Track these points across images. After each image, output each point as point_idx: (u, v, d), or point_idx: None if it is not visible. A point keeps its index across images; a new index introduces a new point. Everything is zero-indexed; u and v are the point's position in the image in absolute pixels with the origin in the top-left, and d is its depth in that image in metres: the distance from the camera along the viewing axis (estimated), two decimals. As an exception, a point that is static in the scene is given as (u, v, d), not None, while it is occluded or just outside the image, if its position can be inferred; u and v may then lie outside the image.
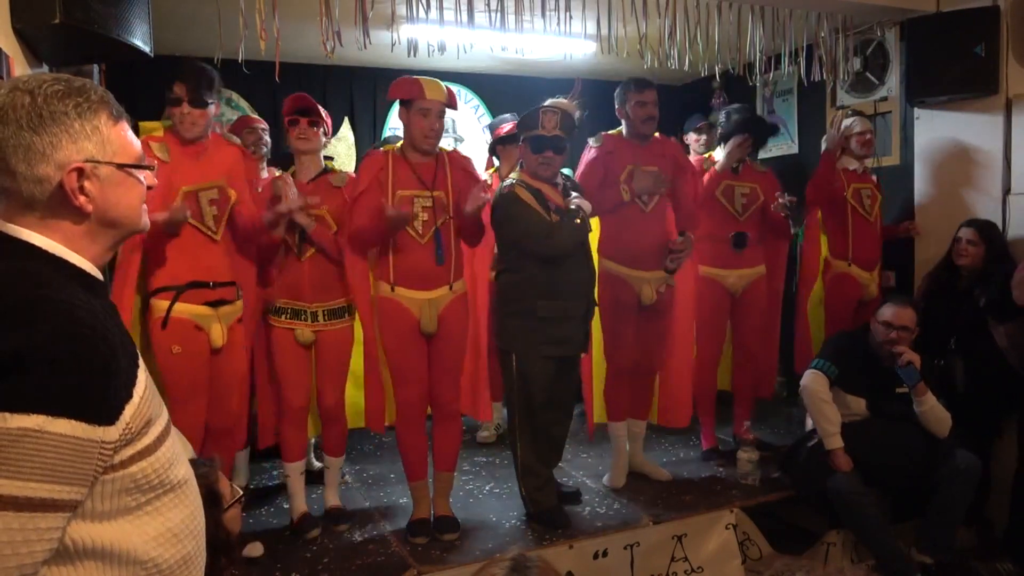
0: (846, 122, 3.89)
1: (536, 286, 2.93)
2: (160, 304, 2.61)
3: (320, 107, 3.01)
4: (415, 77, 2.84)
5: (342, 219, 2.93)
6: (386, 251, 2.87)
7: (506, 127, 3.92)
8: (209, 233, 2.68)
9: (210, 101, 2.69)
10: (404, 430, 2.98)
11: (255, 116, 3.59)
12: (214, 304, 2.67)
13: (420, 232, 2.83)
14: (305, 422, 3.11)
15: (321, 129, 2.99)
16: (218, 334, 2.67)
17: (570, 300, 2.96)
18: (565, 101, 2.98)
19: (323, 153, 3.08)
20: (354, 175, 3.07)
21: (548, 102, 2.96)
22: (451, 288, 2.91)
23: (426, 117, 2.80)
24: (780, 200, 3.62)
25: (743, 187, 3.73)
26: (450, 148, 3.11)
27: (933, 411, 3.16)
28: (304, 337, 2.96)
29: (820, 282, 3.99)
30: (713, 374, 3.85)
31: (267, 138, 3.63)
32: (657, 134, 3.43)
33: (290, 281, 2.94)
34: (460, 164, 2.98)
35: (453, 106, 2.94)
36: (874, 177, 4.05)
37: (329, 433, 3.12)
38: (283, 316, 2.96)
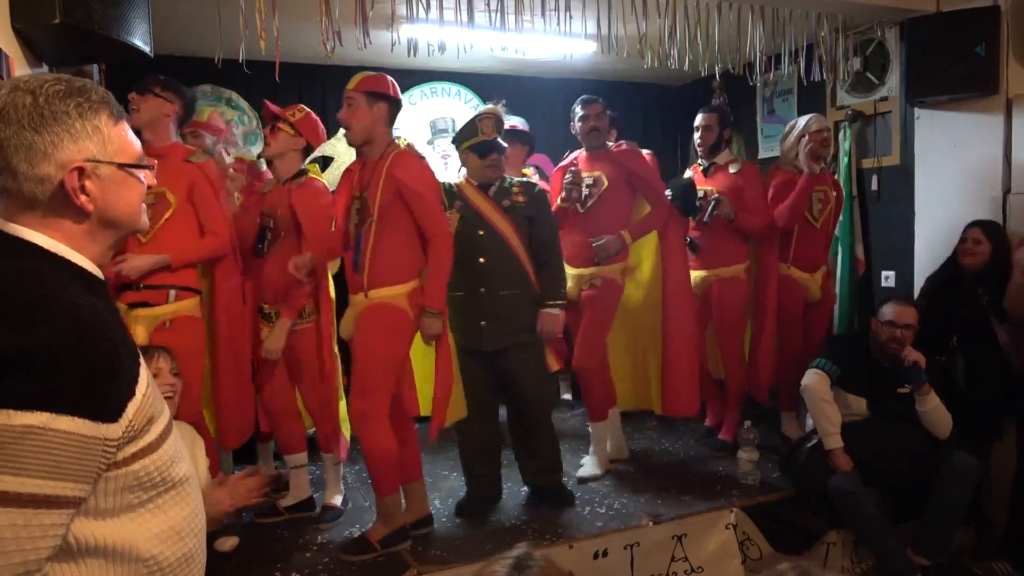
0: (802, 120, 3.88)
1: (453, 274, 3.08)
2: None
3: (286, 108, 2.98)
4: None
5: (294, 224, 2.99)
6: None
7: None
8: (138, 235, 2.64)
9: (159, 92, 2.80)
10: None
11: (203, 120, 3.61)
12: (132, 305, 2.68)
13: (352, 235, 2.83)
14: (291, 417, 3.14)
15: (284, 131, 2.97)
16: (134, 335, 2.59)
17: (463, 290, 3.05)
18: (493, 106, 3.16)
19: (324, 153, 3.09)
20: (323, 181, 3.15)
21: (481, 110, 3.12)
22: (366, 295, 2.76)
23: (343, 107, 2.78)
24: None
25: (702, 189, 3.79)
26: (403, 147, 2.87)
27: (936, 412, 3.16)
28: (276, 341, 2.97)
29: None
30: (702, 370, 3.88)
31: (211, 143, 3.58)
32: (617, 145, 3.63)
33: (256, 284, 2.96)
34: (395, 166, 2.73)
35: (371, 89, 2.73)
36: (834, 177, 4.05)
37: (318, 431, 3.15)
38: (271, 319, 2.98)
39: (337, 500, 3.20)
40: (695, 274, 3.84)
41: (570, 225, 3.57)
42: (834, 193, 3.95)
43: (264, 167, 3.54)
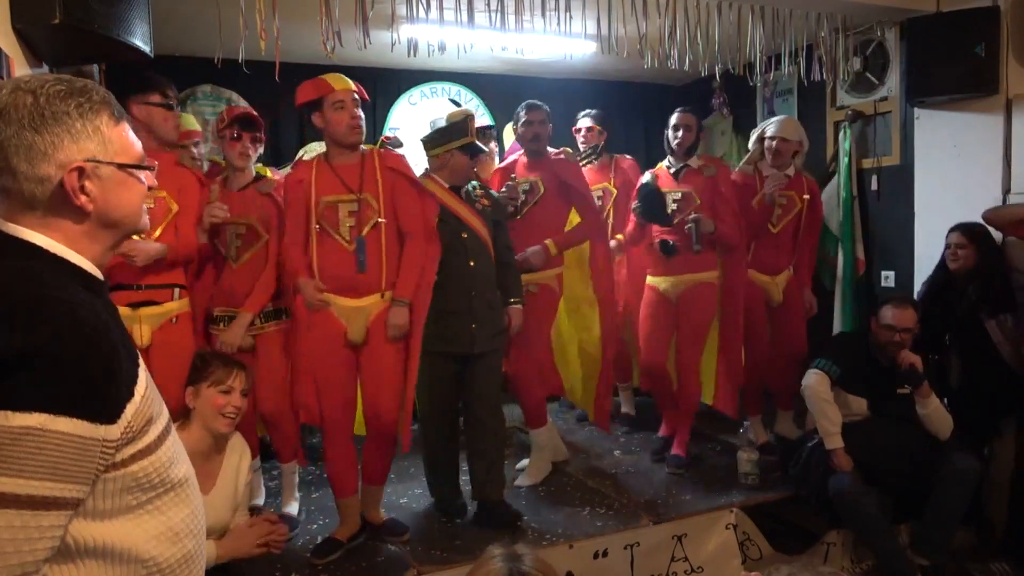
0: (762, 124, 3.84)
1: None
2: None
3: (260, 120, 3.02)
4: (317, 77, 2.80)
5: (272, 225, 2.95)
6: (312, 258, 2.79)
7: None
8: (141, 237, 2.63)
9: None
10: (330, 448, 2.88)
11: (195, 129, 3.57)
12: (136, 305, 2.67)
13: (347, 238, 2.77)
14: (253, 425, 3.08)
15: (260, 142, 3.01)
16: (138, 335, 2.63)
17: (450, 294, 3.00)
18: (466, 108, 3.22)
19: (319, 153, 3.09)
20: (281, 180, 3.06)
21: (464, 110, 3.13)
22: (383, 296, 2.80)
23: (344, 109, 2.73)
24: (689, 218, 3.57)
25: (675, 192, 3.64)
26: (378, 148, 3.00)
27: (936, 413, 3.16)
28: (244, 343, 2.96)
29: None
30: (661, 379, 3.76)
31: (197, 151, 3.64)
32: (557, 152, 3.63)
33: (225, 288, 2.95)
34: (390, 164, 2.85)
35: (365, 98, 2.87)
36: (811, 181, 3.92)
37: (273, 439, 3.10)
38: (221, 324, 2.96)
39: (294, 509, 3.17)
40: (667, 280, 3.67)
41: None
42: (806, 197, 3.80)
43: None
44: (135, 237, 2.63)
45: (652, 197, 3.63)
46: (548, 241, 3.48)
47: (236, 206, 2.92)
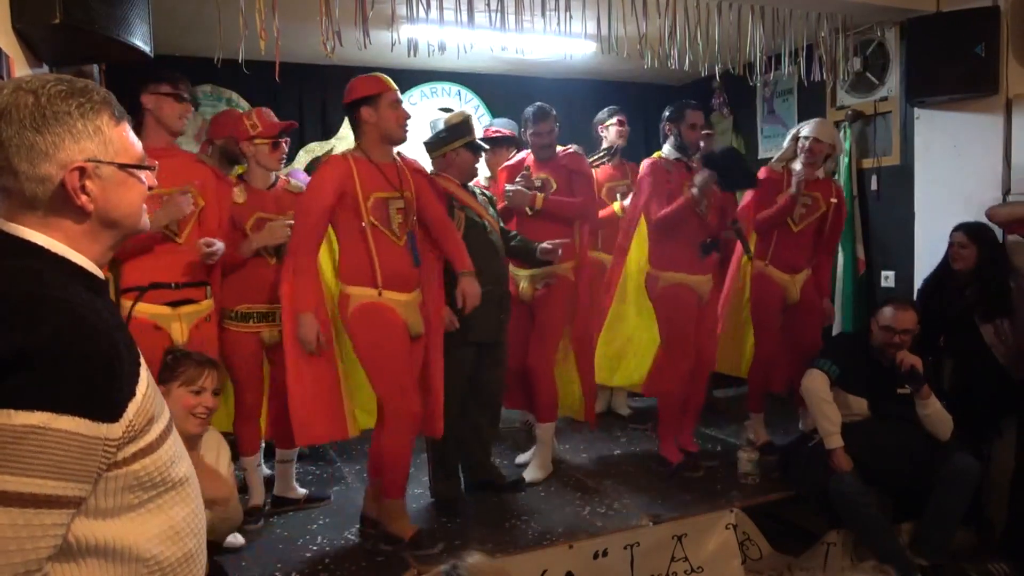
0: (799, 125, 3.84)
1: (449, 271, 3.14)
2: (124, 304, 2.65)
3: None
4: (371, 74, 2.81)
5: None
6: (369, 256, 2.75)
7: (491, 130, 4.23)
8: (171, 235, 2.72)
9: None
10: (404, 444, 2.81)
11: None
12: (175, 304, 2.71)
13: (398, 235, 2.80)
14: (258, 418, 3.15)
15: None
16: (178, 332, 2.69)
17: (488, 285, 3.05)
18: (463, 111, 3.38)
19: (321, 152, 3.13)
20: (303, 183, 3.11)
21: (464, 111, 3.26)
22: (419, 289, 2.91)
23: (398, 108, 2.77)
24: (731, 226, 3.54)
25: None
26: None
27: (937, 415, 3.17)
28: (273, 338, 3.01)
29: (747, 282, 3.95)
30: (682, 384, 3.62)
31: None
32: (565, 149, 3.66)
33: (257, 286, 2.98)
34: (415, 167, 2.97)
35: None
36: (837, 186, 3.92)
37: (280, 426, 3.14)
38: (250, 320, 2.99)
39: (300, 491, 3.32)
40: (700, 278, 3.56)
41: (516, 227, 3.59)
42: (833, 201, 3.78)
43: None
44: (169, 234, 2.69)
45: (736, 159, 3.49)
46: (538, 194, 3.52)
47: (271, 204, 3.00)
